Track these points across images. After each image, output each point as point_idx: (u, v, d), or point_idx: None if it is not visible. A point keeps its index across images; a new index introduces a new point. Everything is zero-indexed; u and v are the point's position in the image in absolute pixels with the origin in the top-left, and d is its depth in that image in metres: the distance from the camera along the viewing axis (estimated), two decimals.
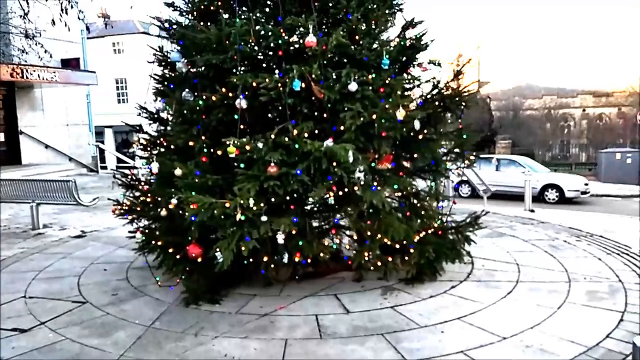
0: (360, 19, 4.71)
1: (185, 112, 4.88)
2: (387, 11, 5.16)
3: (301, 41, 4.43)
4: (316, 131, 4.49)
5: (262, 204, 4.17)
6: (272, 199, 4.27)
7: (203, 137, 4.67)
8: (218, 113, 4.61)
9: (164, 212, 4.69)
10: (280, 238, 4.23)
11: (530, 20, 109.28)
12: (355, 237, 5.09)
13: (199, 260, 4.38)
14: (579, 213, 10.29)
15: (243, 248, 4.13)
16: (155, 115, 5.52)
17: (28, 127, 15.79)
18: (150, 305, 4.67)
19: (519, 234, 7.41)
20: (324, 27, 4.88)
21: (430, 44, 5.17)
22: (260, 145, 4.23)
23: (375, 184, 4.58)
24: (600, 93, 40.57)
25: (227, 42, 4.47)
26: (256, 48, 4.60)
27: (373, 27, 4.96)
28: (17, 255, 6.60)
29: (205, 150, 4.62)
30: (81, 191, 9.00)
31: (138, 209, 5.39)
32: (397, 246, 4.78)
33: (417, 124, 4.69)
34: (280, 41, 4.45)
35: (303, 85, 4.29)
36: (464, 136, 5.34)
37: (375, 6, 4.92)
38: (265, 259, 4.49)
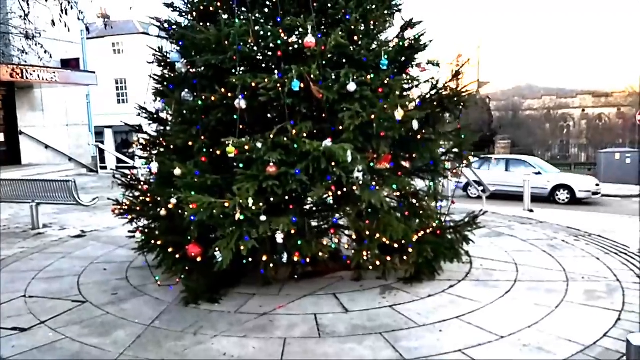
0: (359, 20, 4.73)
1: (184, 112, 4.90)
2: (385, 12, 5.18)
3: (300, 41, 4.45)
4: (315, 131, 4.51)
5: (261, 204, 4.19)
6: (271, 199, 4.29)
7: (202, 137, 4.69)
8: (217, 113, 4.63)
9: (163, 212, 4.70)
10: (279, 237, 4.25)
11: (530, 21, 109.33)
12: (354, 237, 5.10)
13: (199, 259, 4.40)
14: (578, 213, 10.31)
15: (242, 247, 4.15)
16: (155, 116, 5.54)
17: (28, 128, 15.81)
18: (149, 304, 4.68)
19: (517, 233, 7.43)
20: (322, 27, 4.91)
21: (429, 44, 5.19)
22: (259, 145, 4.24)
23: (374, 183, 4.61)
24: (600, 93, 40.64)
25: (226, 42, 4.49)
26: (255, 48, 4.61)
27: (372, 27, 4.98)
28: (17, 255, 6.62)
29: (204, 150, 4.65)
30: (81, 191, 9.01)
31: (138, 208, 5.41)
32: (396, 246, 4.81)
33: (415, 124, 4.71)
34: (279, 41, 4.47)
35: (302, 85, 4.31)
36: (463, 136, 5.36)
37: (374, 7, 4.94)
38: (264, 258, 4.50)
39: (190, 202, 4.11)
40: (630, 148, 23.94)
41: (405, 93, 5.22)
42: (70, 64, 16.17)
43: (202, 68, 4.87)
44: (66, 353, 3.74)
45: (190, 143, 4.74)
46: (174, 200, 4.40)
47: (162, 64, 5.40)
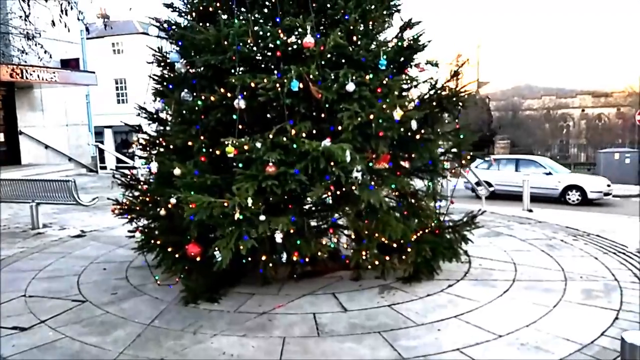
0: (358, 20, 4.75)
1: (184, 112, 4.91)
2: (384, 12, 5.20)
3: (299, 42, 4.47)
4: (314, 131, 4.53)
5: (260, 204, 4.20)
6: (271, 199, 4.31)
7: (202, 137, 4.71)
8: (217, 113, 4.64)
9: (163, 212, 4.72)
10: (279, 237, 4.26)
11: (530, 21, 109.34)
12: (353, 237, 5.12)
13: (198, 259, 4.42)
14: (577, 213, 10.32)
15: (241, 247, 4.16)
16: (155, 116, 5.56)
17: (28, 128, 15.82)
18: (149, 304, 4.70)
19: (516, 233, 7.45)
20: (321, 27, 4.92)
21: (427, 44, 5.21)
22: (258, 145, 4.26)
23: (372, 183, 4.62)
24: (599, 93, 40.67)
25: (225, 42, 4.51)
26: (254, 49, 4.63)
27: (371, 27, 5.00)
28: (17, 255, 6.63)
29: (204, 150, 4.66)
30: (81, 191, 9.03)
31: (137, 208, 5.42)
32: (395, 245, 4.83)
33: (414, 124, 4.73)
34: (278, 42, 4.49)
35: (301, 85, 4.33)
36: (461, 136, 5.37)
37: (373, 7, 4.95)
38: (263, 258, 4.52)
39: (190, 201, 4.13)
40: (629, 148, 23.95)
41: (404, 93, 5.25)
42: (70, 64, 16.19)
43: (202, 68, 4.89)
44: (66, 352, 3.75)
45: (189, 143, 4.76)
46: (173, 200, 4.42)
47: (162, 64, 5.41)
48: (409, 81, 5.26)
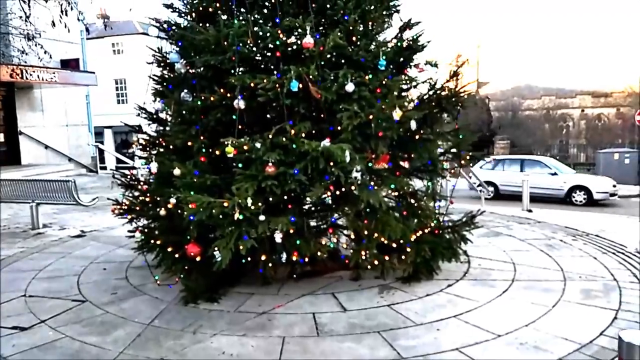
0: (357, 20, 4.76)
1: (184, 112, 4.92)
2: (384, 12, 5.21)
3: (299, 42, 4.48)
4: (313, 131, 4.54)
5: (260, 204, 4.21)
6: (270, 199, 4.32)
7: (202, 137, 4.72)
8: (216, 113, 4.66)
9: (163, 212, 4.73)
10: (278, 237, 4.27)
11: (530, 21, 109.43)
12: (352, 236, 5.13)
13: (198, 259, 4.42)
14: (576, 213, 10.34)
15: (241, 247, 4.17)
16: (155, 116, 5.57)
17: (28, 128, 15.83)
18: (149, 303, 4.71)
19: (515, 233, 7.46)
20: (321, 28, 4.93)
21: (427, 45, 5.22)
22: (258, 145, 4.27)
23: (372, 183, 4.63)
24: (599, 93, 40.69)
25: (225, 43, 4.52)
26: (254, 49, 4.64)
27: (370, 28, 5.02)
28: (17, 255, 6.64)
29: (203, 150, 4.67)
30: (81, 191, 9.04)
31: (137, 208, 5.43)
32: (394, 245, 4.83)
33: (413, 124, 4.74)
34: (278, 42, 4.50)
35: (300, 85, 4.34)
36: (461, 136, 5.38)
37: (372, 7, 4.96)
38: (263, 257, 4.53)
39: (190, 201, 4.13)
40: (629, 148, 23.96)
41: (403, 93, 5.27)
42: (70, 65, 16.20)
43: (202, 68, 4.90)
44: (66, 352, 3.76)
45: (189, 143, 4.77)
46: (173, 200, 4.43)
47: (162, 64, 5.42)
48: (408, 81, 5.28)
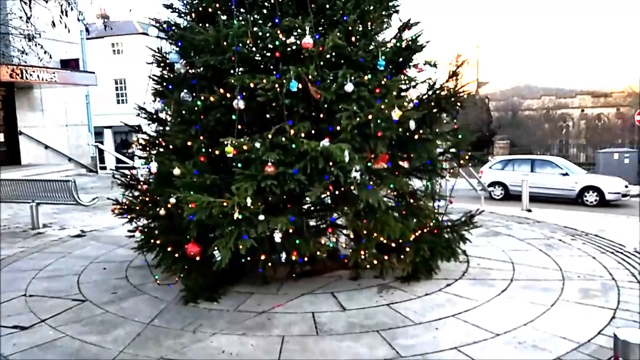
0: (356, 21, 4.77)
1: (183, 112, 4.94)
2: (383, 13, 5.22)
3: (298, 42, 4.49)
4: (313, 131, 4.55)
5: (259, 203, 4.23)
6: (270, 198, 4.34)
7: (201, 137, 4.73)
8: (216, 113, 4.67)
9: (162, 212, 4.75)
10: (278, 237, 4.29)
11: (529, 21, 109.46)
12: (351, 236, 5.14)
13: (198, 258, 4.44)
14: (575, 213, 10.35)
15: (241, 246, 4.19)
16: (154, 116, 5.58)
17: (27, 128, 15.84)
18: (149, 303, 4.72)
19: (514, 233, 7.48)
20: (320, 28, 4.94)
21: (426, 45, 5.23)
22: (257, 145, 4.29)
23: (371, 183, 4.64)
24: (599, 93, 40.68)
25: (225, 43, 4.53)
26: (254, 49, 4.65)
27: (369, 28, 5.02)
28: (17, 255, 6.65)
29: (203, 150, 4.69)
30: (80, 191, 9.05)
31: (137, 208, 5.45)
32: (393, 245, 4.85)
33: (412, 124, 4.75)
34: (277, 42, 4.51)
35: (300, 86, 4.35)
36: (460, 136, 5.39)
37: (371, 8, 4.97)
38: (262, 257, 4.55)
39: (189, 201, 4.15)
40: (629, 148, 23.97)
41: (402, 93, 5.28)
42: (69, 65, 16.21)
43: (201, 69, 4.92)
44: (66, 351, 3.78)
45: (189, 143, 4.78)
46: (173, 200, 4.44)
47: (161, 64, 5.44)
48: (407, 82, 5.29)
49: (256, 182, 4.22)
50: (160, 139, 5.32)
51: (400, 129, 4.73)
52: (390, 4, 5.31)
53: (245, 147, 4.28)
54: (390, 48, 5.06)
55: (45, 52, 10.27)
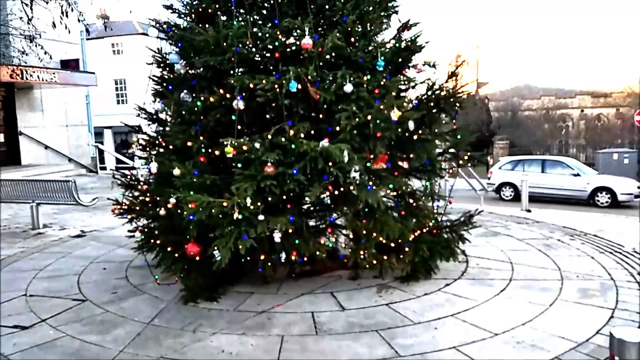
0: (355, 21, 4.79)
1: (183, 112, 4.95)
2: (382, 13, 5.23)
3: (297, 43, 4.51)
4: (312, 132, 4.56)
5: (259, 203, 4.24)
6: (269, 198, 4.35)
7: (201, 138, 4.74)
8: (216, 114, 4.68)
9: (162, 212, 4.76)
10: (277, 237, 4.30)
11: (529, 21, 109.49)
12: (351, 236, 5.16)
13: (197, 258, 4.45)
14: (574, 213, 10.36)
15: (240, 246, 4.20)
16: (154, 116, 5.59)
17: (27, 128, 15.85)
18: (149, 303, 4.74)
19: (513, 233, 7.49)
20: (320, 29, 4.95)
21: (425, 45, 5.24)
22: (257, 145, 4.30)
23: (370, 183, 4.66)
24: (599, 94, 40.68)
25: (224, 44, 4.55)
26: (253, 50, 4.67)
27: (368, 29, 5.04)
28: (17, 255, 6.67)
29: (203, 150, 4.70)
30: (81, 191, 9.06)
31: (137, 208, 5.46)
32: (393, 245, 4.87)
33: (411, 125, 4.77)
34: (277, 43, 4.53)
35: (299, 86, 4.37)
36: (459, 136, 5.41)
37: (370, 9, 4.98)
38: (262, 257, 4.56)
39: (189, 201, 4.16)
40: (628, 148, 23.99)
41: (401, 94, 5.29)
42: (69, 65, 16.22)
43: (201, 69, 4.93)
44: (67, 350, 3.79)
45: (189, 143, 4.80)
46: (173, 200, 4.45)
47: (161, 65, 5.45)
48: (406, 82, 5.31)
49: (256, 182, 4.23)
50: (160, 140, 5.33)
51: (399, 130, 4.74)
52: (390, 4, 5.32)
53: (245, 148, 4.29)
54: (389, 49, 5.07)
55: (45, 53, 10.29)
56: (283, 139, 4.34)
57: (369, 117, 4.43)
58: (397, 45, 5.15)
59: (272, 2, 4.90)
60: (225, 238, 4.20)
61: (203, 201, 4.15)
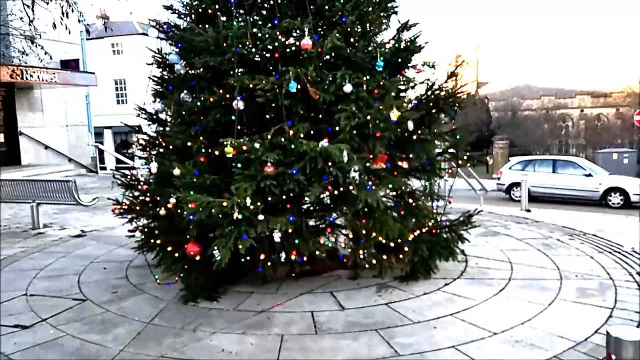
0: (355, 22, 4.80)
1: (183, 113, 4.96)
2: (382, 14, 5.24)
3: (297, 43, 4.53)
4: (312, 132, 4.58)
5: (259, 203, 4.25)
6: (269, 198, 4.36)
7: (201, 138, 4.76)
8: (216, 114, 4.70)
9: (162, 211, 4.77)
10: (277, 236, 4.31)
11: (529, 21, 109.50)
12: (350, 236, 5.16)
13: (197, 258, 4.46)
14: (574, 213, 10.38)
15: (240, 246, 4.21)
16: (154, 116, 5.61)
17: (28, 128, 15.87)
18: (149, 302, 4.75)
19: (513, 232, 7.51)
20: (319, 29, 4.96)
21: (424, 46, 5.25)
22: (257, 145, 4.31)
23: (370, 183, 4.67)
24: (598, 93, 40.71)
25: (224, 44, 4.56)
26: (253, 50, 4.68)
27: (368, 29, 5.05)
28: (17, 254, 6.68)
29: (203, 150, 4.71)
30: (81, 191, 9.07)
31: (137, 208, 5.47)
32: (392, 244, 4.87)
33: (410, 125, 4.78)
34: (276, 43, 4.54)
35: (299, 86, 4.38)
36: (458, 136, 5.42)
37: (370, 9, 4.99)
38: (262, 257, 4.57)
39: (189, 201, 4.18)
40: (628, 148, 23.99)
41: (401, 94, 5.30)
42: (69, 65, 16.25)
43: (201, 69, 4.95)
44: (67, 349, 3.81)
45: (189, 143, 4.81)
46: (173, 200, 4.47)
47: (161, 65, 5.46)
48: (406, 82, 5.32)
49: (256, 182, 4.24)
50: (160, 140, 5.35)
51: (398, 130, 4.76)
52: (389, 5, 5.33)
53: (244, 148, 4.30)
54: (389, 49, 5.08)
55: (45, 53, 10.32)
56: (283, 139, 4.36)
57: (369, 117, 4.45)
58: (396, 45, 5.16)
59: (271, 2, 4.91)
60: (225, 238, 4.22)
61: (203, 201, 4.17)
